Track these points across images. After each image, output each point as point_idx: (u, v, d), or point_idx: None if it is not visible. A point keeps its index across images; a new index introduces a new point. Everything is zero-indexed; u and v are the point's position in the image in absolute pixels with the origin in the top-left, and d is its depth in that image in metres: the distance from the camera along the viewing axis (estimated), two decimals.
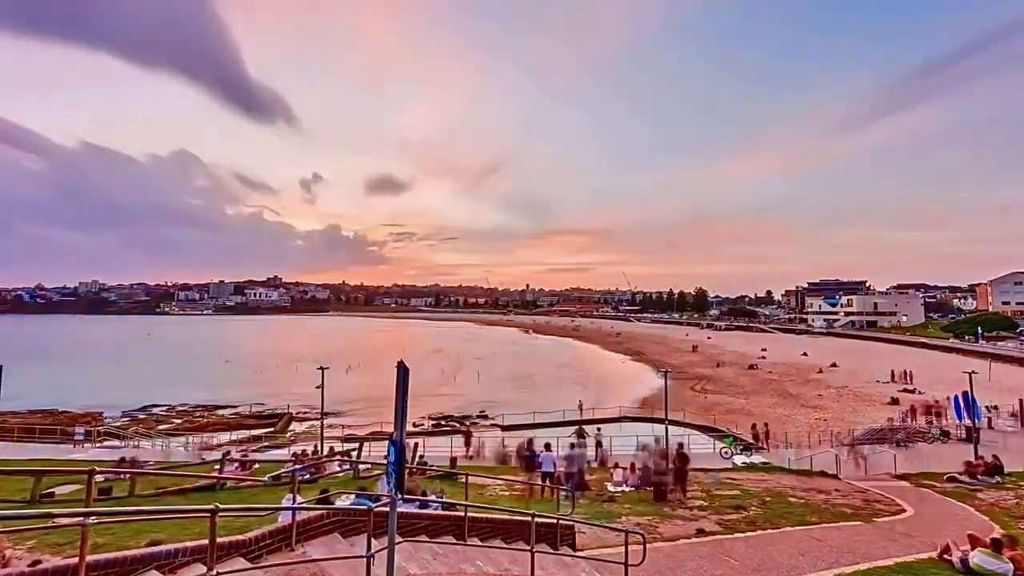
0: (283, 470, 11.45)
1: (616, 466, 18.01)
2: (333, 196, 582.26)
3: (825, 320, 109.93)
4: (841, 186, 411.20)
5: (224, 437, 30.86)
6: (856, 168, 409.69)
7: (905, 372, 48.09)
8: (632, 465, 16.30)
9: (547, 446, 16.37)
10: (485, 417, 39.89)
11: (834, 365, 57.72)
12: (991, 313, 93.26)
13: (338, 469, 16.43)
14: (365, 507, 6.11)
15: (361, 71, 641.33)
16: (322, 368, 25.25)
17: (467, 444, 25.32)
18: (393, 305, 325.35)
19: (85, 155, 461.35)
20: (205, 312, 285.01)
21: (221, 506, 4.11)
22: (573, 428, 29.57)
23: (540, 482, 14.85)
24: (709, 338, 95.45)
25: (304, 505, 6.73)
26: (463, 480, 11.37)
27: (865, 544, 10.40)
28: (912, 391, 41.34)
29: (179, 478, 10.29)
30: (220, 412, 42.08)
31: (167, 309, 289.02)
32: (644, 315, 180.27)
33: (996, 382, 40.41)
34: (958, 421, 26.78)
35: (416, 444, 21.63)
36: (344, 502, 8.03)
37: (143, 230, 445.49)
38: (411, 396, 4.35)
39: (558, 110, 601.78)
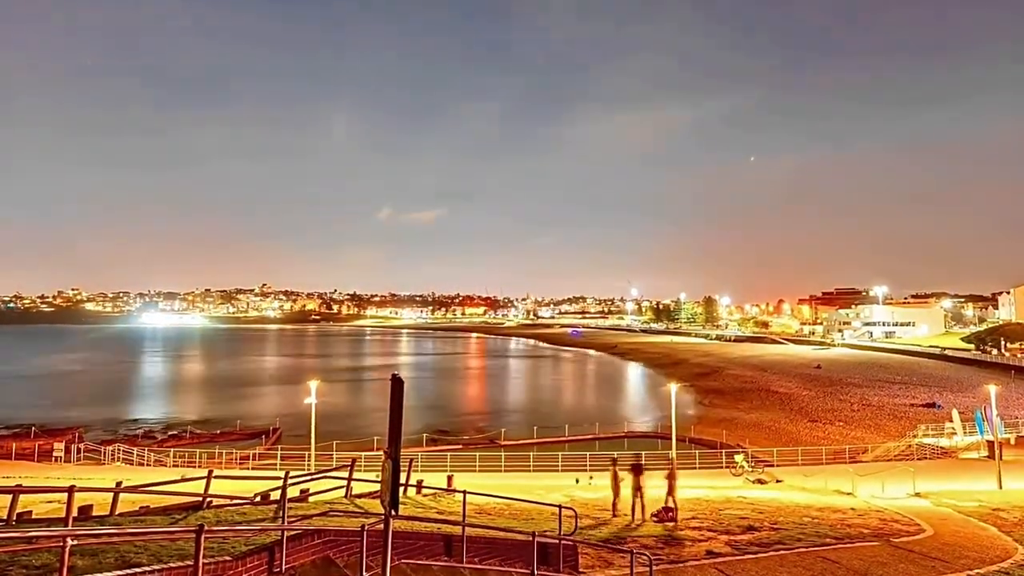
0: (272, 488, 11.03)
1: None
2: None
3: (840, 331, 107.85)
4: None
5: (211, 453, 30.09)
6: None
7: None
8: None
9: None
10: (481, 431, 39.45)
11: (843, 380, 57.04)
12: (1015, 323, 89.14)
13: (330, 487, 15.90)
14: (358, 527, 5.85)
15: None
16: (313, 382, 24.78)
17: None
18: (388, 315, 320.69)
19: None
20: (193, 322, 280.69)
21: (207, 526, 4.10)
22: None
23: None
24: (716, 348, 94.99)
25: (294, 524, 6.43)
26: (460, 497, 11.00)
27: (882, 566, 10.00)
28: (933, 406, 40.48)
29: (163, 496, 9.89)
30: (207, 427, 41.26)
31: (151, 318, 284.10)
32: (650, 325, 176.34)
33: (1020, 395, 39.96)
34: (980, 436, 26.29)
35: (411, 460, 21.11)
36: (337, 521, 7.70)
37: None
38: (407, 410, 4.14)
39: None
